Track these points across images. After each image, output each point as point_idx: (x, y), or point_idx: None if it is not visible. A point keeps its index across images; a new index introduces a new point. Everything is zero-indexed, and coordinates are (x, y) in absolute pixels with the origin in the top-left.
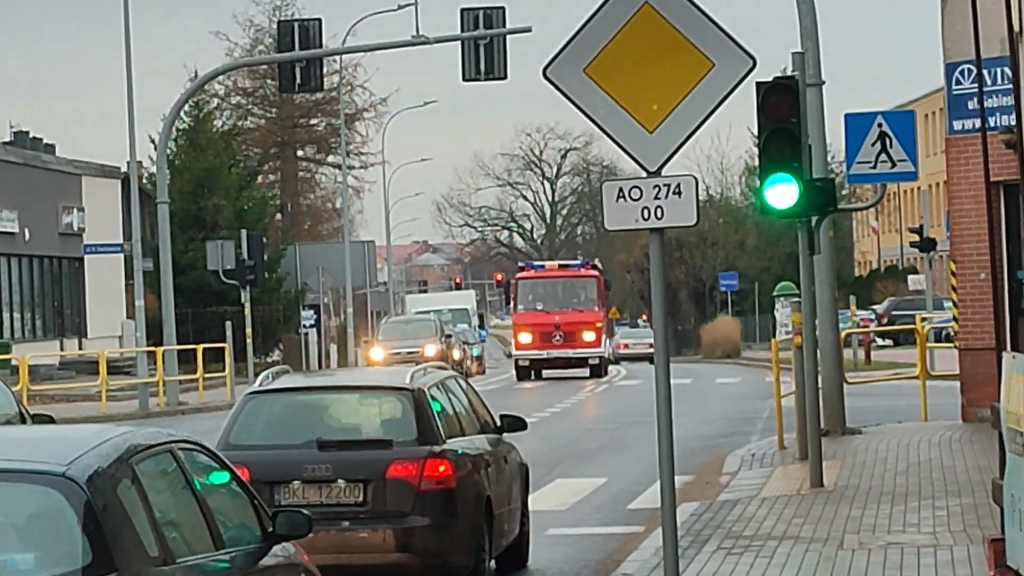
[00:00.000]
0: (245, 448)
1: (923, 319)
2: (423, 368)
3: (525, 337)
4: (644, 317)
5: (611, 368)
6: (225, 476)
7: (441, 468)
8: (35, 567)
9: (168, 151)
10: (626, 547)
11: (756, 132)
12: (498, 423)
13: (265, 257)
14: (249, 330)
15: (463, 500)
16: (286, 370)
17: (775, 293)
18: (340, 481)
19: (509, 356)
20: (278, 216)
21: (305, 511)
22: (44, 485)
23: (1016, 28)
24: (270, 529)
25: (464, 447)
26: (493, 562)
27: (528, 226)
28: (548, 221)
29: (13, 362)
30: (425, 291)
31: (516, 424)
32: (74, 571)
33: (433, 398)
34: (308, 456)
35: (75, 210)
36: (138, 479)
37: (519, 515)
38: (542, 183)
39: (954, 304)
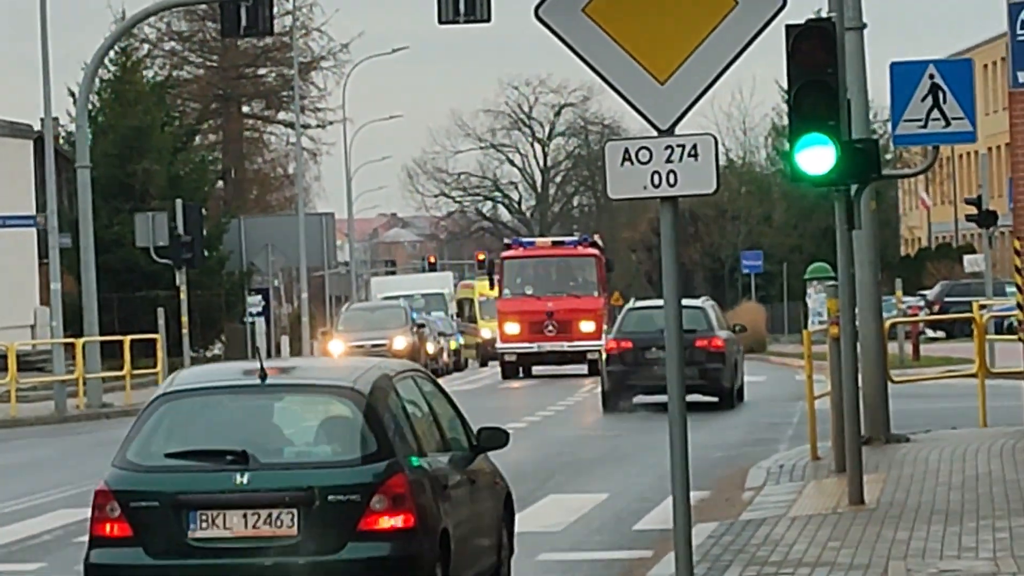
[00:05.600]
0: (630, 334)
1: (982, 306)
2: (702, 296)
3: (512, 327)
4: None
5: None
6: (445, 399)
7: (717, 343)
8: (331, 455)
9: (90, 106)
10: (631, 574)
11: (785, 85)
12: (736, 329)
13: (204, 232)
14: (185, 319)
15: (728, 357)
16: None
17: (807, 276)
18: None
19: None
20: (220, 184)
21: (505, 428)
22: (338, 396)
23: None
24: (475, 443)
25: (724, 335)
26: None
27: (515, 196)
28: (539, 190)
29: None
30: (394, 273)
31: (743, 328)
32: (360, 457)
33: (710, 310)
34: (660, 336)
35: None
36: (398, 393)
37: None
38: (532, 145)
39: (1018, 289)
